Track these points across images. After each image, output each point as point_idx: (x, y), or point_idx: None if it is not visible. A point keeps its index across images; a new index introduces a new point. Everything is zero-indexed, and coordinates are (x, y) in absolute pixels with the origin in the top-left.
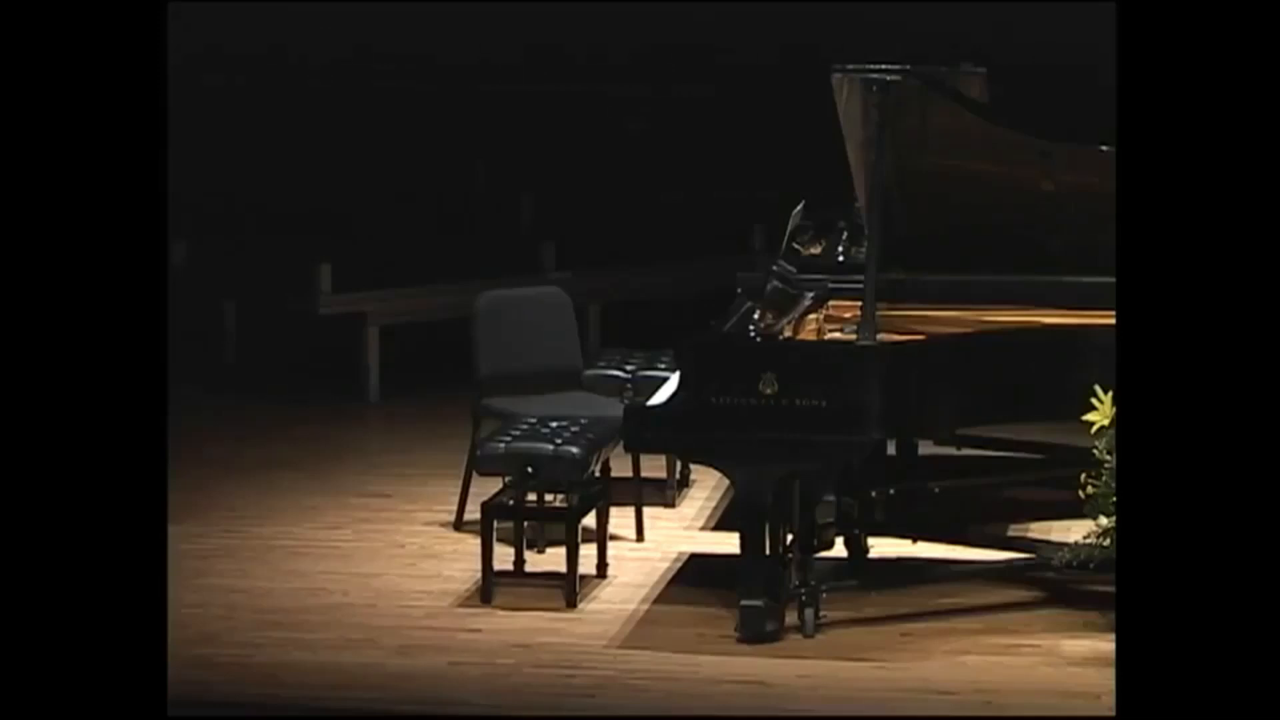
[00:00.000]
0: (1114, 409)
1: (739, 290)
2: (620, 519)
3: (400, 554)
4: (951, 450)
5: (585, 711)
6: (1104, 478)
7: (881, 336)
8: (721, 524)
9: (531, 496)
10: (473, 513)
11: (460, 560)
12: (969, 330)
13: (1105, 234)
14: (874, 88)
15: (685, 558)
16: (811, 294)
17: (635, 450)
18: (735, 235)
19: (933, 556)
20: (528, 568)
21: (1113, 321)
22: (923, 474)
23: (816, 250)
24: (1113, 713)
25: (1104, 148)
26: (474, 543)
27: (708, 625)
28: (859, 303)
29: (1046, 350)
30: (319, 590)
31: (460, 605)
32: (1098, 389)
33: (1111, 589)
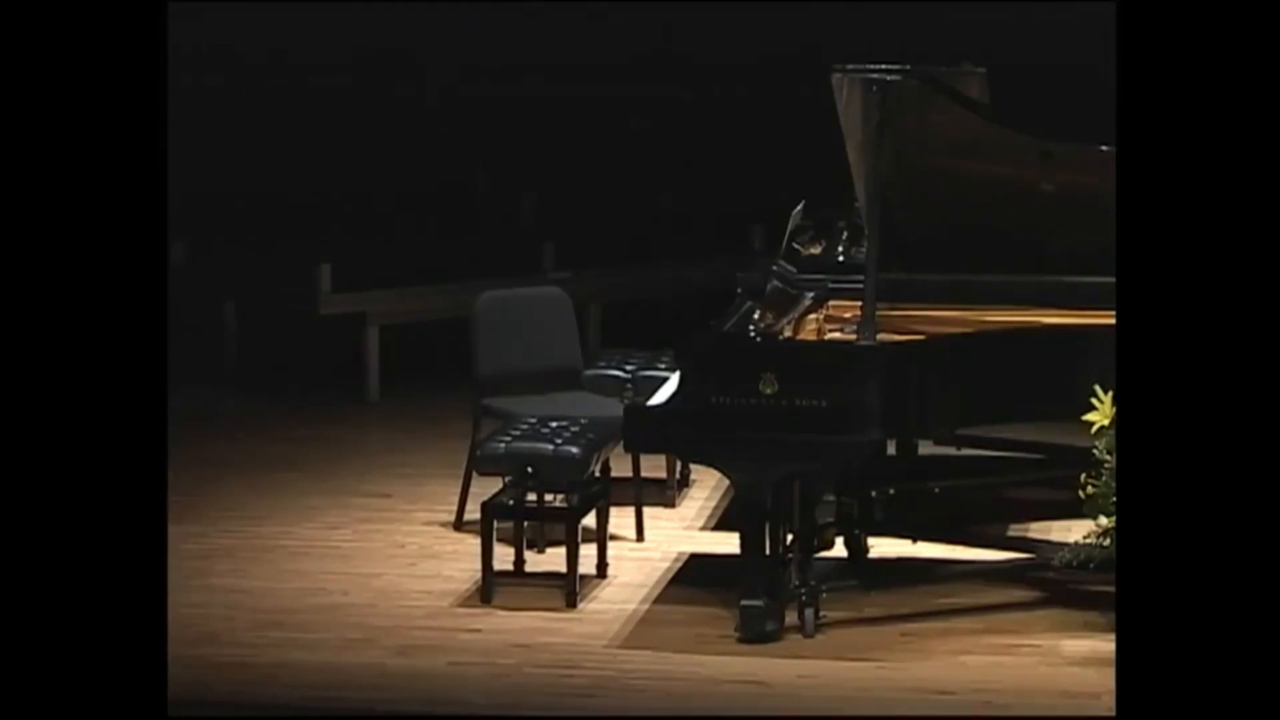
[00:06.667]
0: (1114, 409)
1: (739, 290)
2: (620, 519)
3: (400, 554)
4: (951, 450)
5: (585, 711)
6: (1104, 478)
7: (881, 336)
8: (721, 524)
9: (531, 496)
10: (473, 513)
11: (460, 560)
12: (969, 330)
13: (1105, 234)
14: (874, 88)
15: (685, 558)
16: (811, 294)
17: (635, 450)
18: (735, 235)
19: (933, 556)
20: (528, 568)
21: (1113, 321)
22: (923, 474)
23: (816, 250)
24: (1113, 713)
25: (1104, 148)
26: (474, 543)
27: (708, 625)
28: (859, 303)
29: (1046, 350)
30: (319, 590)
31: (460, 605)
32: (1098, 389)
33: (1111, 589)
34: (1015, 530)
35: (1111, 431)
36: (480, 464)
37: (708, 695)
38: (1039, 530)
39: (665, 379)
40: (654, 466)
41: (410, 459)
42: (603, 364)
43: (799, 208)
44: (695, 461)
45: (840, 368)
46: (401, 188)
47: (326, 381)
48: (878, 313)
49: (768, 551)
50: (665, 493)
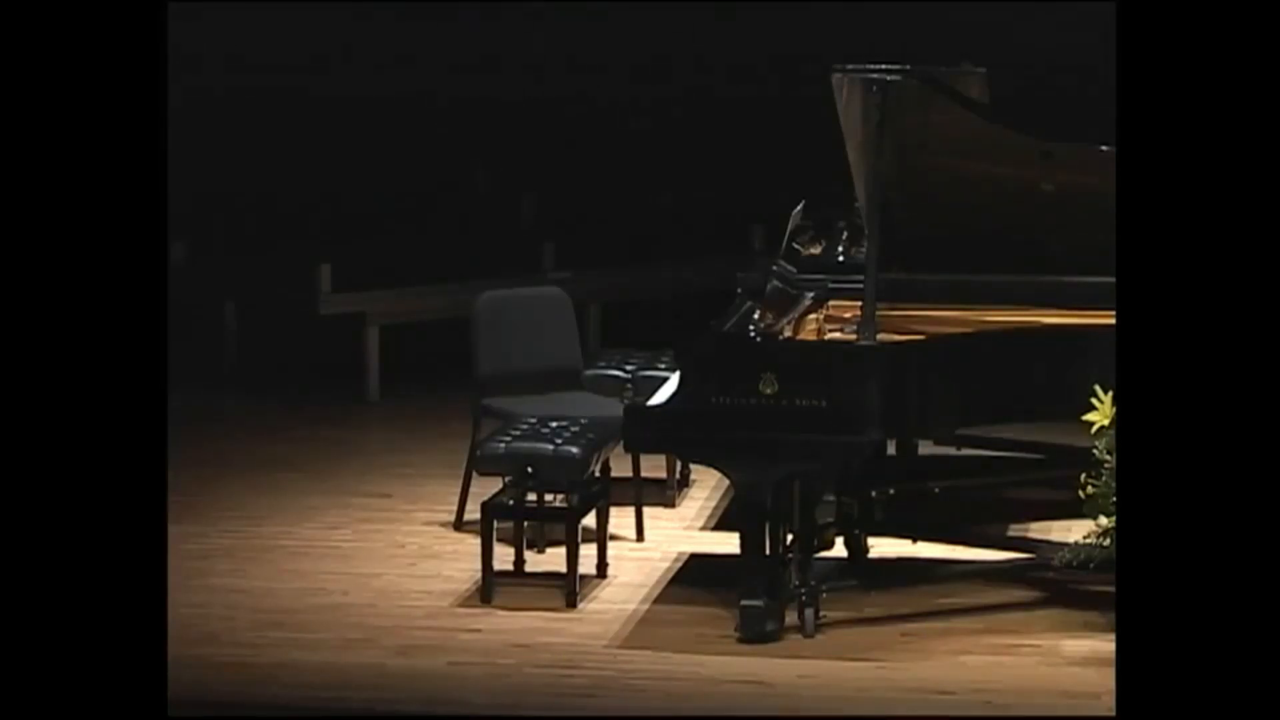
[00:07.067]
0: (1114, 409)
1: (739, 290)
2: (620, 519)
3: (400, 554)
4: (951, 450)
5: (585, 711)
6: (1104, 478)
7: (881, 336)
8: (721, 524)
9: (531, 496)
10: (473, 513)
11: (460, 560)
12: (969, 330)
13: (1105, 234)
14: (874, 88)
15: (685, 558)
16: (811, 294)
17: (635, 450)
18: (735, 235)
19: (933, 556)
20: (528, 568)
21: (1113, 321)
22: (923, 474)
23: (816, 250)
24: (1113, 713)
25: (1104, 148)
26: (474, 543)
27: (708, 625)
28: (859, 303)
29: (1046, 350)
30: (319, 590)
31: (460, 605)
32: (1098, 389)
33: (1111, 589)
34: (1015, 530)
35: (1111, 431)
36: (480, 464)
37: (708, 695)
38: (1039, 530)
39: (665, 379)
40: (654, 466)
41: (410, 459)
42: (603, 364)
43: (799, 208)
44: (695, 461)
45: (840, 368)
46: (401, 188)
47: (326, 381)
48: (878, 313)
49: (768, 551)
50: (665, 493)
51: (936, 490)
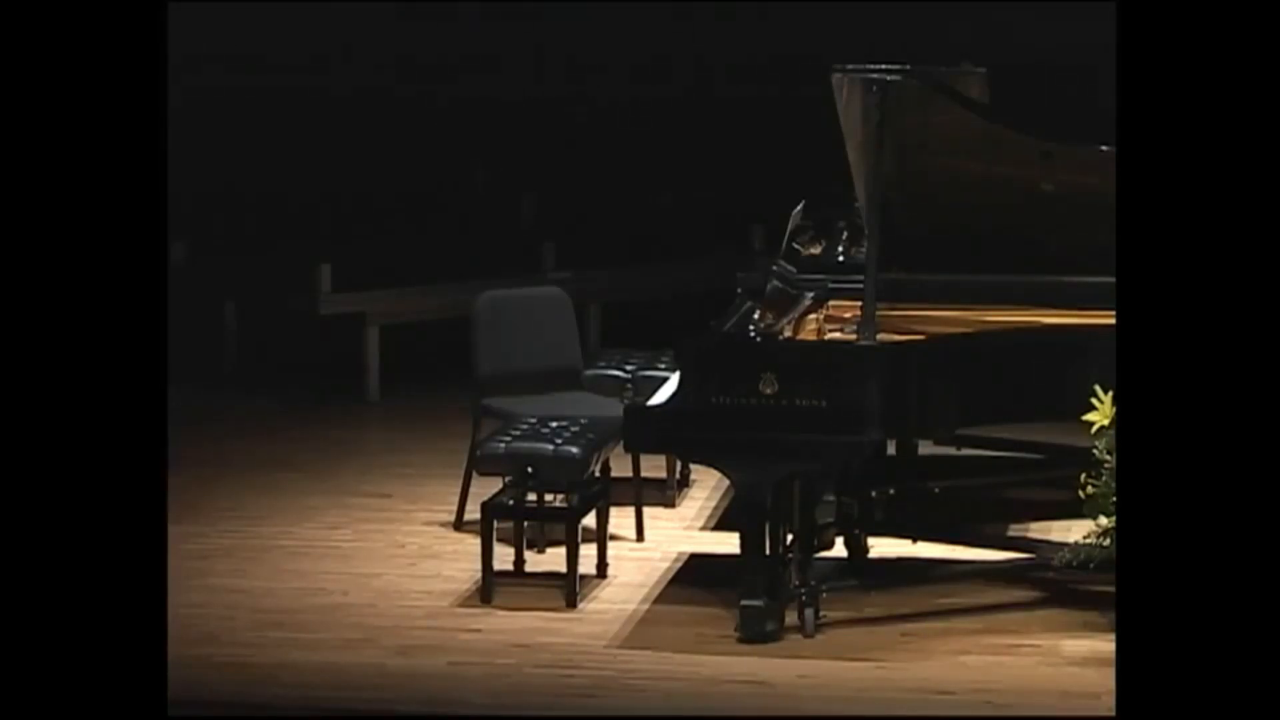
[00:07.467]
0: (1114, 409)
1: (739, 290)
2: (620, 519)
3: (400, 554)
4: (951, 450)
5: (585, 711)
6: (1104, 478)
7: (881, 336)
8: (721, 524)
9: (531, 496)
10: (473, 513)
11: (460, 560)
12: (969, 330)
13: (1105, 234)
14: (874, 88)
15: (685, 558)
16: (811, 294)
17: (635, 450)
18: (735, 235)
19: (933, 556)
20: (528, 568)
21: (1113, 321)
22: (923, 474)
23: (816, 250)
24: (1113, 713)
25: (1104, 148)
26: (474, 543)
27: (708, 625)
28: (859, 303)
29: (1046, 350)
30: (319, 590)
31: (460, 605)
32: (1098, 389)
33: (1111, 589)
34: (1015, 530)
35: (1111, 431)
36: (480, 464)
37: (708, 695)
38: (1039, 530)
39: (665, 379)
40: (654, 466)
41: (410, 459)
42: (603, 364)
43: (799, 208)
44: (695, 461)
45: (840, 368)
46: (401, 188)
47: (326, 381)
48: (878, 313)
49: (768, 551)
50: (665, 493)
51: (936, 490)
